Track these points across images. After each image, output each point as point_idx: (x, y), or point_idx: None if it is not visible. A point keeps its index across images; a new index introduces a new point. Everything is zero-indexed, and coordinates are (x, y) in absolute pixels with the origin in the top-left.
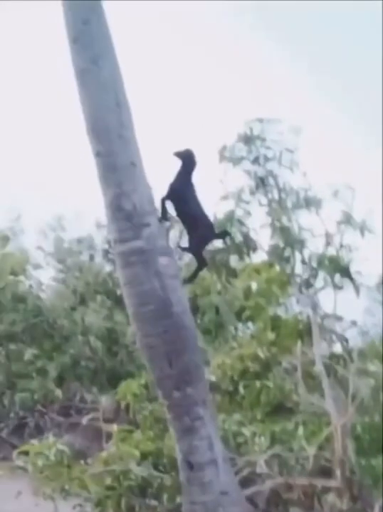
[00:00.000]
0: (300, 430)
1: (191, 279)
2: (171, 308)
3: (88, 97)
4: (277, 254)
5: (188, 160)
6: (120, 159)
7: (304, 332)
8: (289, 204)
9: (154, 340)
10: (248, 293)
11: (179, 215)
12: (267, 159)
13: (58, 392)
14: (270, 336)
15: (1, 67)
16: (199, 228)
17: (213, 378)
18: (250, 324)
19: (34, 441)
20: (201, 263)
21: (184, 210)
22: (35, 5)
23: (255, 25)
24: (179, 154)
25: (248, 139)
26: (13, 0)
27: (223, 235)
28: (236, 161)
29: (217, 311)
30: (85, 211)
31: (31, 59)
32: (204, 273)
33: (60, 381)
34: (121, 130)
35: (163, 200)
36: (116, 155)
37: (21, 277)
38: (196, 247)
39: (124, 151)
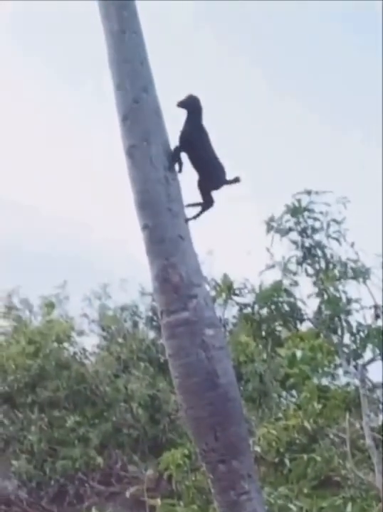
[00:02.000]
0: (349, 507)
1: (194, 217)
2: (217, 380)
3: (137, 172)
4: (324, 324)
5: (193, 106)
6: (168, 232)
7: (352, 403)
8: (336, 274)
9: (199, 412)
10: (292, 360)
11: (192, 161)
12: (314, 230)
13: (100, 460)
14: (317, 406)
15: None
16: (212, 172)
17: (257, 449)
18: (294, 392)
19: None
20: (208, 202)
21: (197, 156)
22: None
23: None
24: (182, 103)
25: (295, 211)
26: None
27: (235, 180)
28: (283, 232)
29: (261, 379)
30: (129, 278)
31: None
32: (247, 339)
33: (101, 449)
34: (169, 204)
35: (176, 150)
36: (164, 228)
37: (65, 344)
38: (207, 187)
39: (172, 224)
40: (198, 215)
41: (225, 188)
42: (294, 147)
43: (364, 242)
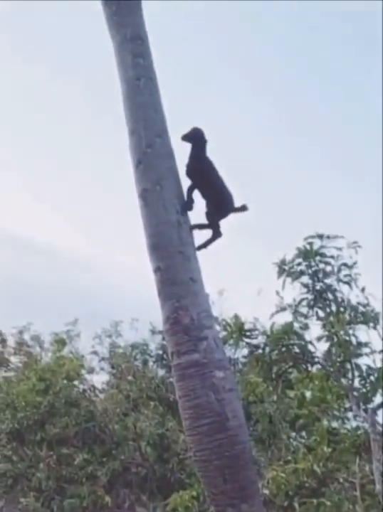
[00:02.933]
0: None
1: (204, 246)
2: (226, 423)
3: (150, 215)
4: (335, 368)
5: (197, 139)
6: (180, 275)
7: (362, 448)
8: (347, 318)
9: (208, 454)
10: (301, 401)
11: (200, 190)
12: (325, 274)
13: (107, 499)
14: (327, 450)
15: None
16: (221, 199)
17: (266, 492)
18: (304, 433)
19: None
20: (217, 233)
21: (205, 185)
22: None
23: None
24: (187, 137)
25: (307, 255)
26: None
27: (243, 208)
28: (295, 275)
29: (270, 419)
30: (140, 317)
31: None
32: (257, 379)
33: (109, 487)
34: (181, 247)
35: (189, 189)
36: (175, 270)
37: (75, 382)
38: (216, 217)
39: (184, 267)
40: (206, 244)
41: (236, 227)
42: (307, 188)
43: (374, 287)
